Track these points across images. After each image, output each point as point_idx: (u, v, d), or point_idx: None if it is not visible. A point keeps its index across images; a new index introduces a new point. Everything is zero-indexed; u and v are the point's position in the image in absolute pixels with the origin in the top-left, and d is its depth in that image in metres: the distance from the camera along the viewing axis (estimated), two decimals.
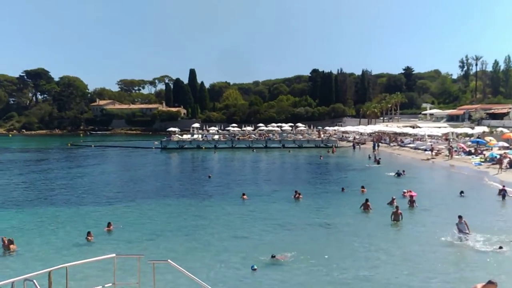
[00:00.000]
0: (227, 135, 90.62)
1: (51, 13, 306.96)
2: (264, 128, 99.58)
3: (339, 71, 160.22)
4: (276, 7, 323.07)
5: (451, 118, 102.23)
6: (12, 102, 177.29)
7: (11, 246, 20.46)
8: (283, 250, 19.10)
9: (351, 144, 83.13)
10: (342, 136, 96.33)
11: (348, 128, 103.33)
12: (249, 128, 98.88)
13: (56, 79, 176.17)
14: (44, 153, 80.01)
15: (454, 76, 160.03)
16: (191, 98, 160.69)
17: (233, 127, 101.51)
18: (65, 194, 35.76)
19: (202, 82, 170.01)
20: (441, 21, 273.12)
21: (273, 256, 18.12)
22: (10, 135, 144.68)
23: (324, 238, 22.10)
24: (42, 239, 22.40)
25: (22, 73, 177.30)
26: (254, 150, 77.13)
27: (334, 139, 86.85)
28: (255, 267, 17.21)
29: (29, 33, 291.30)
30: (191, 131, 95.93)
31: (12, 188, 39.11)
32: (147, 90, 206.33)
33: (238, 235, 22.70)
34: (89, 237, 21.74)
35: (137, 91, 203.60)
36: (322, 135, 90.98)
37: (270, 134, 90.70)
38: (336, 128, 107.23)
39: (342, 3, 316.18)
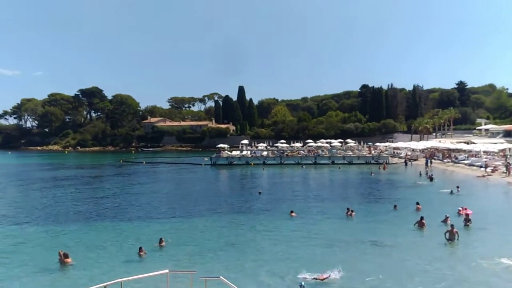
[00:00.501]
0: (275, 152, 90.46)
1: (106, 35, 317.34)
2: (313, 144, 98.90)
3: (390, 86, 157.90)
4: (323, 24, 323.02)
5: (507, 134, 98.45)
6: (67, 120, 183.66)
7: (67, 260, 20.97)
8: (334, 268, 18.74)
9: (403, 160, 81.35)
10: (394, 152, 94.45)
11: (400, 144, 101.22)
12: (298, 145, 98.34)
13: (110, 97, 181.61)
14: (97, 169, 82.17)
15: (511, 90, 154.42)
16: (240, 114, 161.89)
17: (282, 143, 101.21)
18: (118, 210, 36.50)
19: (250, 99, 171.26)
20: (495, 35, 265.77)
21: (314, 278, 17.78)
22: (66, 152, 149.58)
23: (376, 257, 21.54)
24: (96, 254, 22.86)
25: (77, 92, 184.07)
26: (303, 166, 76.67)
27: (385, 155, 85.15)
28: (303, 284, 16.92)
29: (84, 53, 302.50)
30: (240, 147, 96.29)
31: (67, 204, 40.19)
32: (197, 107, 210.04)
33: (288, 252, 22.47)
34: (141, 253, 22.01)
35: (187, 109, 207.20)
36: (372, 151, 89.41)
37: (319, 150, 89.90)
38: (387, 144, 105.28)
39: (391, 18, 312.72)
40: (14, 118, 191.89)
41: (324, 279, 17.82)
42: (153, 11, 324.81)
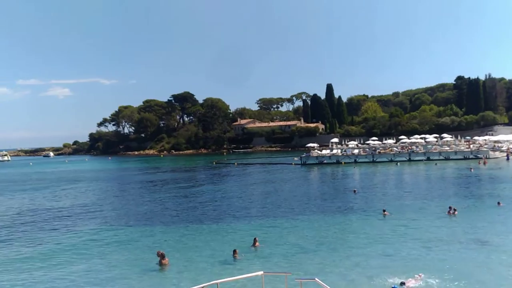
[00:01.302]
0: (367, 149, 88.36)
1: (194, 43, 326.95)
2: (407, 140, 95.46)
3: (487, 76, 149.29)
4: (411, 12, 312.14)
5: None
6: (162, 125, 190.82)
7: (164, 260, 21.47)
8: (431, 270, 17.77)
9: (505, 154, 76.41)
10: (494, 146, 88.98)
11: (501, 137, 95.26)
12: (390, 141, 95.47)
13: (201, 101, 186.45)
14: (191, 171, 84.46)
15: None
16: (328, 113, 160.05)
17: (373, 140, 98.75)
18: (212, 211, 37.09)
19: (339, 97, 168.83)
20: None
21: (402, 283, 16.74)
22: (162, 156, 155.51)
23: (479, 259, 20.14)
24: (190, 255, 23.21)
25: (170, 97, 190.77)
26: (398, 163, 74.24)
27: (484, 149, 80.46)
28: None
29: (176, 61, 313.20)
30: (330, 146, 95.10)
31: (163, 206, 41.47)
32: (285, 107, 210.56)
33: (383, 252, 21.69)
34: (236, 255, 22.02)
35: (275, 109, 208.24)
36: (471, 146, 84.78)
37: (414, 147, 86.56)
38: (486, 137, 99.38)
39: (485, 2, 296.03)
40: (113, 125, 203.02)
41: (415, 283, 16.72)
42: (239, 18, 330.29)
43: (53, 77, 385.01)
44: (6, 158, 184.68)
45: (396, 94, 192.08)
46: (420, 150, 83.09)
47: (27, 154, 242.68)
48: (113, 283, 19.50)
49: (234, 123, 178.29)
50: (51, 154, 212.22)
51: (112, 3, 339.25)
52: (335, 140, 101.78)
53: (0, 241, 28.99)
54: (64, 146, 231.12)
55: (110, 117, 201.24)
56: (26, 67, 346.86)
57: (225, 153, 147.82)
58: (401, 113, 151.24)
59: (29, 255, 24.86)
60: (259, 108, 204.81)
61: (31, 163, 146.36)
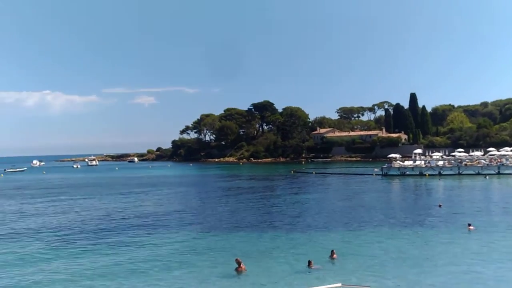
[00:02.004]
0: (452, 161, 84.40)
1: (274, 52, 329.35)
2: (496, 152, 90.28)
3: None
4: (505, 21, 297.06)
5: None
6: (242, 133, 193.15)
7: (241, 267, 21.40)
8: None
9: None
10: None
11: None
12: (478, 153, 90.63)
13: (280, 110, 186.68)
14: (270, 180, 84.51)
15: None
16: (412, 123, 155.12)
17: (459, 152, 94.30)
18: (289, 220, 36.69)
19: (423, 106, 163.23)
20: None
21: None
22: (241, 163, 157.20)
23: None
24: (267, 263, 22.98)
25: (250, 106, 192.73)
26: (487, 177, 70.34)
27: None
28: None
29: (256, 70, 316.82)
30: (412, 157, 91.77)
31: (242, 213, 41.60)
32: (366, 116, 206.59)
33: (468, 270, 20.36)
34: (311, 265, 21.55)
35: (356, 118, 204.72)
36: None
37: (504, 159, 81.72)
38: None
39: None
40: (195, 132, 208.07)
41: None
42: (323, 28, 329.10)
43: (140, 85, 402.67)
44: (94, 162, 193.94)
45: (484, 104, 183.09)
46: (511, 163, 78.28)
47: (114, 159, 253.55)
48: (190, 286, 19.63)
49: (313, 132, 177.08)
50: (136, 159, 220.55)
51: (197, 16, 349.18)
52: (419, 151, 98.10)
53: (82, 245, 29.89)
54: (148, 152, 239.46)
55: (192, 124, 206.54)
56: (114, 76, 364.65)
57: (303, 162, 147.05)
58: (490, 124, 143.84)
59: (116, 259, 25.51)
60: (339, 117, 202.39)
61: (117, 168, 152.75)
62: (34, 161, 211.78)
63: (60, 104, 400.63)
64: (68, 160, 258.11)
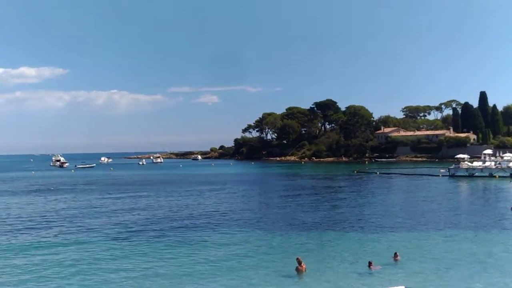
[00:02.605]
0: None
1: (339, 51, 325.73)
2: None
3: None
4: None
5: None
6: (303, 132, 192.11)
7: (300, 266, 21.12)
8: None
9: None
10: None
11: None
12: None
13: (343, 109, 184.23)
14: (332, 179, 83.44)
15: None
16: (481, 122, 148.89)
17: None
18: (351, 220, 36.19)
19: (494, 105, 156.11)
20: None
21: None
22: (303, 162, 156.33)
23: None
24: (327, 262, 22.73)
25: (312, 105, 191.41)
26: None
27: None
28: None
29: (319, 68, 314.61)
30: (482, 157, 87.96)
31: (302, 212, 41.29)
32: (433, 116, 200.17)
33: None
34: (371, 266, 21.07)
35: (422, 118, 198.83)
36: None
37: None
38: None
39: None
40: (257, 131, 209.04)
41: None
42: (388, 25, 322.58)
43: (204, 85, 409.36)
44: (159, 160, 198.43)
45: None
46: None
47: (178, 157, 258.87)
48: (250, 286, 19.59)
49: (377, 132, 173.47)
50: (199, 157, 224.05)
51: (262, 14, 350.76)
52: (489, 151, 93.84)
53: (146, 242, 30.57)
54: (211, 150, 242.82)
55: (254, 123, 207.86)
56: (179, 76, 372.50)
57: (367, 162, 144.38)
58: None
59: (177, 258, 25.91)
60: (404, 116, 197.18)
61: (181, 166, 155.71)
62: (102, 158, 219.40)
63: (126, 103, 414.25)
64: (134, 157, 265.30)
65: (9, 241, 29.63)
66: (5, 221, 37.95)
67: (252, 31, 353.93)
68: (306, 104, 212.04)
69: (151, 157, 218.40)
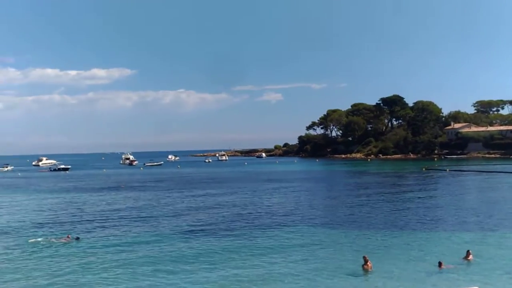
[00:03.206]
0: None
1: (406, 45, 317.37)
2: None
3: None
4: None
5: None
6: (369, 128, 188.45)
7: (367, 265, 20.76)
8: None
9: None
10: None
11: None
12: None
13: (410, 104, 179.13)
14: (399, 177, 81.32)
15: None
16: None
17: None
18: (418, 218, 35.08)
19: None
20: None
21: None
22: (369, 160, 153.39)
23: None
24: (394, 261, 22.11)
25: (379, 101, 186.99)
26: None
27: None
28: None
29: (385, 63, 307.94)
30: None
31: (368, 209, 40.53)
32: (506, 110, 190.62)
33: None
34: (441, 266, 20.42)
35: (495, 112, 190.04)
36: None
37: None
38: None
39: None
40: (321, 128, 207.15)
41: None
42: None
43: (268, 82, 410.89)
44: (224, 158, 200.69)
45: None
46: None
47: (242, 155, 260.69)
48: (315, 283, 19.36)
49: (447, 127, 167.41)
50: (264, 155, 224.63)
51: (322, 12, 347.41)
52: None
53: (214, 237, 31.03)
54: (275, 148, 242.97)
55: (318, 120, 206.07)
56: (244, 74, 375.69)
57: (436, 159, 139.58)
58: None
59: (243, 253, 26.19)
60: (475, 111, 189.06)
61: (245, 163, 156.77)
62: (170, 156, 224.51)
63: (192, 102, 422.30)
64: (200, 155, 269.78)
65: (95, 236, 30.42)
66: (84, 218, 39.50)
67: (315, 27, 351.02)
68: (371, 100, 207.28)
69: (216, 155, 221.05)
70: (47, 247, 27.08)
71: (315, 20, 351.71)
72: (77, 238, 28.97)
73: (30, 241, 28.78)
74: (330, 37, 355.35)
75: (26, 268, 22.40)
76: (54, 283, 20.01)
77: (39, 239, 29.09)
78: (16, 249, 26.84)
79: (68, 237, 29.11)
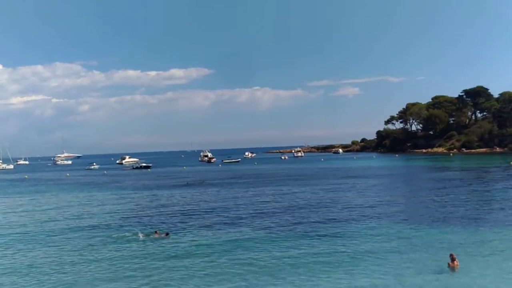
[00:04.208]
0: None
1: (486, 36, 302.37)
2: None
3: None
4: None
5: None
6: (451, 121, 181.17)
7: (451, 263, 20.23)
8: None
9: None
10: None
11: None
12: None
13: (496, 95, 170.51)
14: (483, 171, 77.59)
15: None
16: None
17: None
18: (506, 215, 33.68)
19: None
20: None
21: None
22: (451, 154, 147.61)
23: None
24: (480, 261, 21.38)
25: (461, 93, 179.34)
26: None
27: None
28: None
29: (466, 55, 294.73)
30: None
31: (453, 206, 38.97)
32: None
33: None
34: None
35: None
36: None
37: None
38: None
39: None
40: (400, 122, 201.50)
41: None
42: None
43: (344, 77, 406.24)
44: (300, 154, 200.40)
45: None
46: None
47: (318, 151, 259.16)
48: (401, 280, 19.09)
49: None
50: (340, 150, 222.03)
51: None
52: None
53: (291, 233, 31.32)
54: (353, 143, 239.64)
55: (397, 114, 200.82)
56: (319, 69, 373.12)
57: None
58: None
59: (323, 249, 26.24)
60: None
61: (322, 159, 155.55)
62: (246, 153, 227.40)
63: (267, 99, 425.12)
64: (276, 152, 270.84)
65: (183, 232, 31.28)
66: (170, 214, 40.96)
67: (392, 19, 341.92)
68: (453, 92, 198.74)
69: (292, 151, 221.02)
70: (136, 242, 28.28)
71: (390, 11, 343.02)
72: (167, 234, 29.77)
73: (118, 235, 30.06)
74: (406, 28, 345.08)
75: (118, 263, 23.48)
76: (148, 277, 20.87)
77: (127, 234, 30.37)
78: (108, 243, 28.21)
79: (156, 232, 29.99)
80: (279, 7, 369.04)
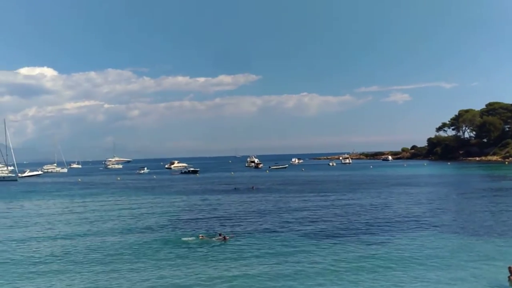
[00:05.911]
0: None
1: None
2: None
3: None
4: None
5: None
6: (507, 129, 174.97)
7: (511, 277, 19.79)
8: None
9: None
10: None
11: None
12: None
13: None
14: None
15: None
16: None
17: None
18: None
19: None
20: None
21: None
22: (506, 163, 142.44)
23: None
24: None
25: None
26: None
27: None
28: None
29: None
30: None
31: (504, 216, 37.73)
32: None
33: None
34: None
35: None
36: None
37: None
38: None
39: None
40: (452, 129, 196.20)
41: None
42: None
43: (394, 83, 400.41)
44: (347, 161, 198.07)
45: None
46: None
47: (367, 158, 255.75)
48: None
49: None
50: (390, 158, 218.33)
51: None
52: None
53: (336, 239, 31.03)
54: (403, 150, 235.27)
55: (449, 121, 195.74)
56: (367, 76, 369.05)
57: None
58: None
59: (367, 257, 25.78)
60: None
61: (371, 166, 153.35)
62: (293, 159, 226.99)
63: (315, 105, 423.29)
64: (324, 158, 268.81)
65: (244, 236, 31.51)
66: (226, 217, 41.61)
67: (443, 26, 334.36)
68: (509, 98, 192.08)
69: (340, 158, 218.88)
70: (200, 245, 28.82)
71: (443, 17, 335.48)
72: (231, 237, 30.35)
73: (183, 239, 30.66)
74: (457, 33, 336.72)
75: (188, 265, 24.11)
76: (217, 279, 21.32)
77: (191, 238, 30.98)
78: (175, 247, 28.74)
79: (220, 235, 30.37)
80: (325, 13, 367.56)
